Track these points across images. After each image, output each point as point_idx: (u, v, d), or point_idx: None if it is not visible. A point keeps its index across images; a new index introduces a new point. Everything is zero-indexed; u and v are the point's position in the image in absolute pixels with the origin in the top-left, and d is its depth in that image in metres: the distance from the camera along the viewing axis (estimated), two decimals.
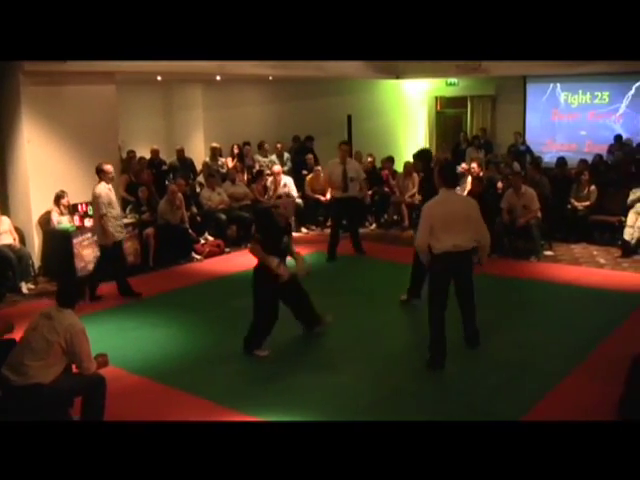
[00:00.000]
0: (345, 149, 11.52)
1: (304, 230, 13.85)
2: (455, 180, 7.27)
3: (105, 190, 9.00)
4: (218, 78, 14.77)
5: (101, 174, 9.02)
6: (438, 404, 5.99)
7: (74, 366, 5.34)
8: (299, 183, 14.08)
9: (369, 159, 14.76)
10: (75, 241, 10.08)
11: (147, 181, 12.05)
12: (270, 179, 13.73)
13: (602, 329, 7.70)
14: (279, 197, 7.10)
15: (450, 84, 19.26)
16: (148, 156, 13.92)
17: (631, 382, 1.82)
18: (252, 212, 12.54)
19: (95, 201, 9.04)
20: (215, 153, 14.64)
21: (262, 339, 7.10)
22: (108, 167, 9.09)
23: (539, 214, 11.19)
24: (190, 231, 11.55)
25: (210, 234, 12.17)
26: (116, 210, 9.23)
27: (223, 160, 14.77)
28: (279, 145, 15.59)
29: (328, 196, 13.78)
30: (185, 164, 14.44)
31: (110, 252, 9.20)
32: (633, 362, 1.91)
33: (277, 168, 13.93)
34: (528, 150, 16.56)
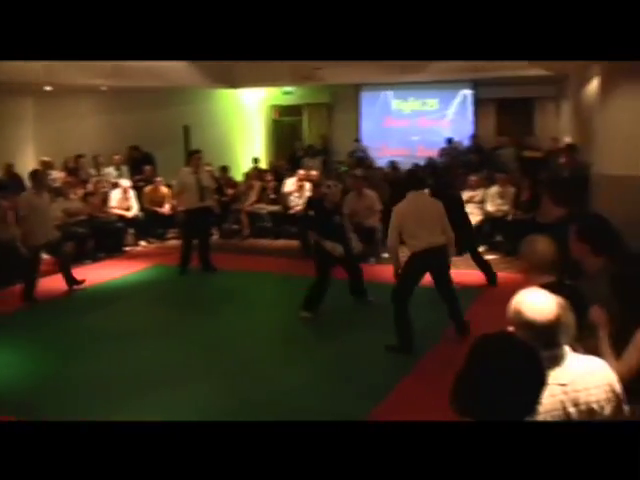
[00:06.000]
0: (199, 158, 11.45)
1: (143, 243, 13.52)
2: (421, 183, 8.00)
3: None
4: (49, 89, 14.15)
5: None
6: (285, 408, 6.03)
7: None
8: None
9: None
10: None
11: None
12: (114, 192, 13.35)
13: (438, 325, 8.07)
14: (328, 186, 8.89)
15: (286, 93, 19.47)
16: None
17: (464, 365, 1.90)
18: (88, 228, 12.14)
19: None
20: (46, 168, 14.00)
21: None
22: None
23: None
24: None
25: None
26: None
27: (55, 174, 14.13)
28: (117, 157, 15.16)
29: (167, 207, 13.60)
30: (14, 180, 13.70)
31: None
32: (470, 349, 2.00)
33: (125, 182, 13.55)
34: (365, 156, 17.04)
